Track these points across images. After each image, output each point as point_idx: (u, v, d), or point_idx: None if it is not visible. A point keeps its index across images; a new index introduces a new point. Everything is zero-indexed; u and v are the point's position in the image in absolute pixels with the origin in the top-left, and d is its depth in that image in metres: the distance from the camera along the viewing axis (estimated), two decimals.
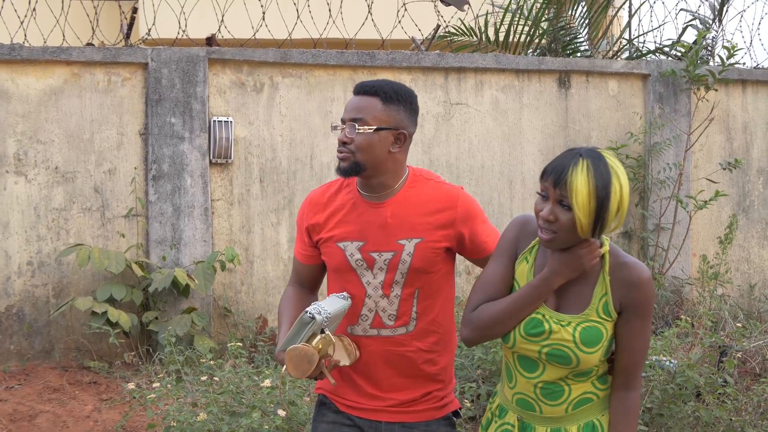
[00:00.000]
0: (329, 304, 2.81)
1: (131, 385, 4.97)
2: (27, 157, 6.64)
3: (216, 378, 5.11)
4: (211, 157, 7.06)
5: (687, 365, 5.00)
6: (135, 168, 6.91)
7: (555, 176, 2.63)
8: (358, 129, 2.88)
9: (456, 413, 3.11)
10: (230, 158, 7.10)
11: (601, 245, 2.72)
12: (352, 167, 2.90)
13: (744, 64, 9.07)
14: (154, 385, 5.17)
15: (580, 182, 2.58)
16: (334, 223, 2.98)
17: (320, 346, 2.71)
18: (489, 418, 2.95)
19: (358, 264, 2.94)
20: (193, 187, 6.99)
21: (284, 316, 3.03)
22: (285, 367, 2.72)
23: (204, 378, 5.01)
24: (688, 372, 4.94)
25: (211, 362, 5.51)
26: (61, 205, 6.73)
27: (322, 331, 2.74)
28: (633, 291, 2.69)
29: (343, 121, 2.91)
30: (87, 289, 6.73)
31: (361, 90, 2.93)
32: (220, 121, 7.04)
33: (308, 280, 3.15)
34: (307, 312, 2.72)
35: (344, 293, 2.89)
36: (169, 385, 5.12)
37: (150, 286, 6.61)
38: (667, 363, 5.19)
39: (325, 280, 3.18)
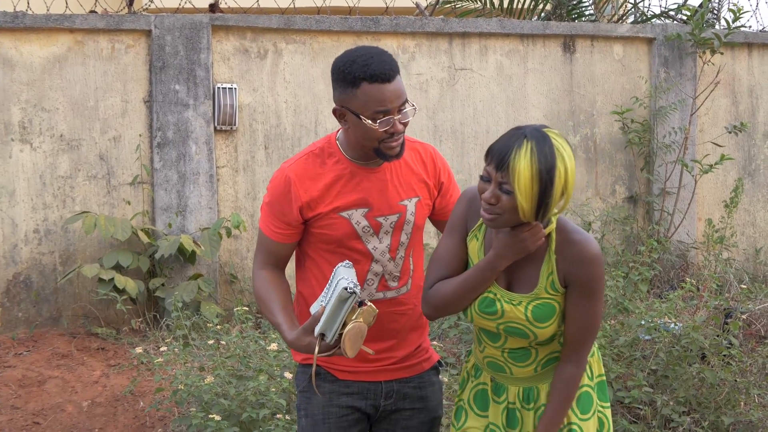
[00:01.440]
0: (349, 274, 2.71)
1: (139, 350, 5.00)
2: (32, 125, 6.65)
3: (223, 342, 5.15)
4: (216, 124, 7.06)
5: (692, 327, 5.02)
6: (140, 135, 6.91)
7: (497, 159, 2.57)
8: (408, 109, 2.84)
9: (440, 362, 3.21)
10: (235, 125, 7.10)
11: (547, 225, 2.71)
12: (402, 149, 2.91)
13: (750, 27, 9.05)
14: (162, 349, 5.21)
15: (523, 167, 2.52)
16: (333, 194, 2.92)
17: (362, 319, 2.66)
18: (465, 377, 3.01)
19: (364, 231, 2.93)
20: (198, 154, 6.99)
21: (273, 302, 2.92)
22: (340, 349, 2.64)
23: (211, 342, 5.04)
24: (692, 334, 4.97)
25: (218, 327, 5.55)
26: (66, 172, 6.74)
27: (360, 304, 2.67)
28: (577, 268, 2.68)
29: (392, 111, 2.80)
30: (93, 257, 6.76)
31: (393, 74, 2.79)
32: (224, 88, 7.03)
33: (283, 260, 3.04)
34: (345, 288, 2.59)
35: (346, 261, 2.82)
36: (176, 350, 5.16)
37: (156, 253, 6.63)
38: (672, 325, 5.21)
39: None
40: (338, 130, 3.01)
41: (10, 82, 6.60)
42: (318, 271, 2.99)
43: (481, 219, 2.75)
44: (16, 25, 6.55)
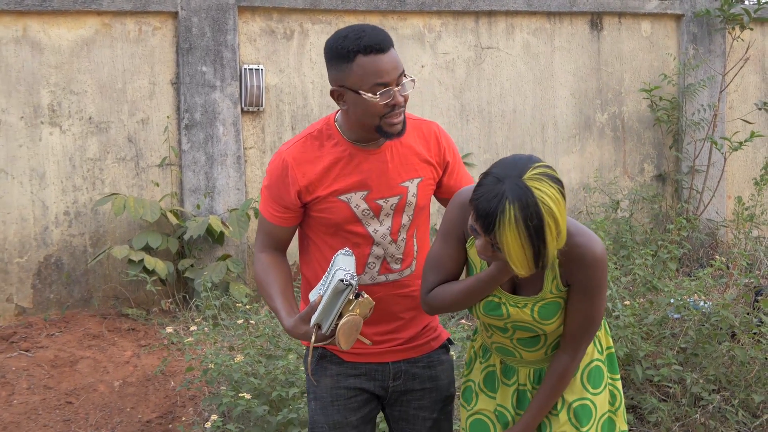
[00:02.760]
0: (347, 263, 2.66)
1: (169, 330, 5.04)
2: (61, 108, 6.69)
3: (252, 322, 5.18)
4: (243, 105, 7.08)
5: (722, 305, 4.98)
6: (167, 117, 6.94)
7: (483, 224, 2.46)
8: (407, 81, 2.77)
9: (449, 340, 3.17)
10: (262, 106, 7.11)
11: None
12: (404, 126, 2.83)
13: None
14: (192, 329, 5.25)
15: (510, 237, 2.42)
16: (331, 178, 2.85)
17: (357, 311, 2.62)
18: (472, 356, 3.00)
19: (364, 214, 2.88)
20: (226, 135, 7.02)
21: (271, 287, 2.88)
22: (334, 341, 2.62)
23: (240, 322, 5.07)
24: (722, 312, 4.93)
25: (247, 307, 5.58)
26: (95, 155, 6.78)
27: (358, 295, 2.63)
28: (579, 271, 2.64)
29: (391, 83, 2.73)
30: (123, 238, 6.81)
31: (387, 45, 2.73)
32: (250, 69, 7.04)
33: (283, 243, 2.99)
34: (341, 279, 2.55)
35: (346, 249, 2.77)
36: (206, 330, 5.19)
37: (185, 234, 6.67)
38: (702, 303, 5.18)
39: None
40: (337, 111, 2.93)
41: (39, 65, 6.64)
42: (320, 255, 2.95)
43: None
44: (44, 8, 6.59)
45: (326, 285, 2.65)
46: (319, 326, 2.64)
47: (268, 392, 4.47)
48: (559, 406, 2.80)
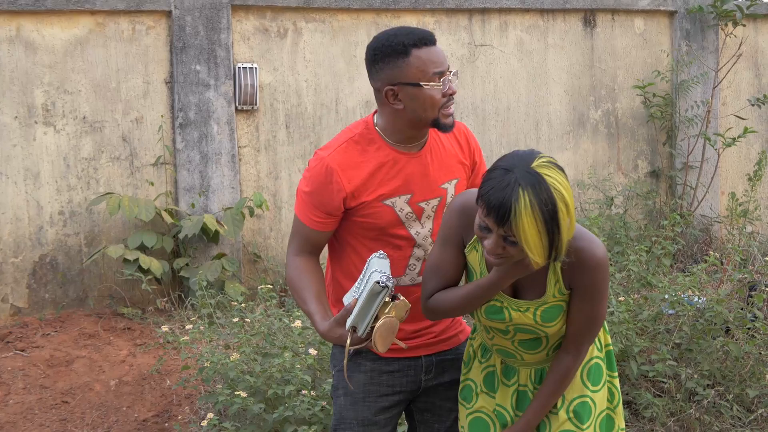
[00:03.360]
0: (383, 266, 2.67)
1: (165, 329, 5.05)
2: (55, 108, 6.69)
3: (248, 320, 5.19)
4: (237, 104, 7.08)
5: (716, 301, 5.01)
6: (162, 116, 6.94)
7: (497, 216, 2.43)
8: (454, 71, 2.83)
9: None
10: (256, 105, 7.11)
11: None
12: (453, 120, 2.89)
13: None
14: (187, 328, 5.25)
15: (527, 225, 2.40)
16: (377, 183, 2.87)
17: (393, 313, 2.62)
18: (471, 355, 3.00)
19: (407, 217, 2.90)
20: (220, 134, 7.02)
21: (306, 291, 2.89)
22: (371, 342, 2.62)
23: (236, 320, 5.08)
24: (716, 307, 4.95)
25: (242, 305, 5.58)
26: (90, 154, 6.78)
27: (393, 298, 2.63)
28: (581, 274, 2.64)
29: (446, 72, 2.80)
30: (118, 238, 6.81)
31: (434, 38, 2.81)
32: (244, 68, 7.04)
33: (320, 248, 3.00)
34: (378, 281, 2.55)
35: (381, 251, 2.78)
36: (201, 328, 5.20)
37: (180, 233, 6.67)
38: (696, 299, 5.20)
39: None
40: (373, 114, 2.94)
41: (33, 65, 6.64)
42: (357, 257, 2.95)
43: None
44: (38, 7, 6.58)
45: (361, 288, 2.65)
46: (354, 329, 2.65)
47: (264, 390, 4.47)
48: (559, 405, 2.80)
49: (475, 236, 2.72)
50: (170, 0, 6.90)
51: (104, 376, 5.60)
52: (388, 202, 2.88)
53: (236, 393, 4.36)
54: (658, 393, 4.91)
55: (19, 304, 6.63)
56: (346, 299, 2.75)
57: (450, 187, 2.97)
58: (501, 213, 2.42)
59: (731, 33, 8.30)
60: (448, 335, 3.09)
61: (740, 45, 8.38)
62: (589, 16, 8.16)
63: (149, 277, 6.34)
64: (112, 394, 5.40)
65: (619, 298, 5.10)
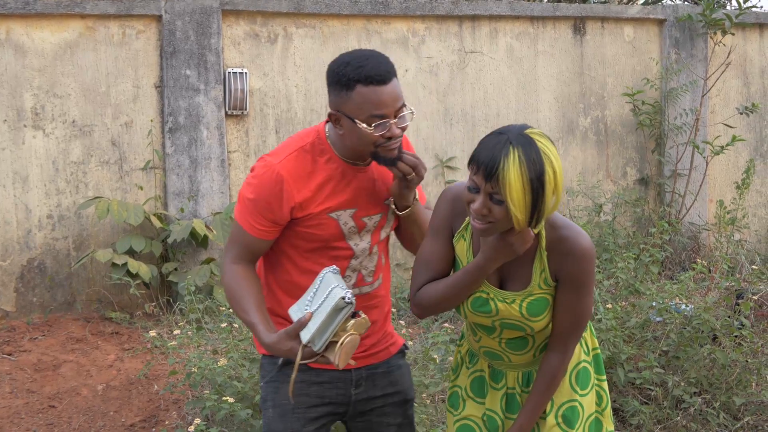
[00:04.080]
0: (339, 281, 2.61)
1: (152, 333, 5.04)
2: (44, 111, 6.68)
3: (236, 325, 5.18)
4: (227, 109, 7.08)
5: (703, 308, 5.02)
6: (151, 120, 6.93)
7: (486, 170, 2.48)
8: (406, 113, 2.75)
9: (405, 346, 3.18)
10: (246, 110, 7.11)
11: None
12: (400, 153, 2.80)
13: (761, 7, 9.00)
14: (175, 333, 5.25)
15: (513, 177, 2.44)
16: (324, 195, 2.82)
17: (354, 330, 2.57)
18: (459, 362, 3.01)
19: (350, 231, 2.87)
20: (210, 138, 7.02)
21: (246, 300, 2.80)
22: (324, 357, 2.58)
23: (224, 325, 5.07)
24: (704, 315, 4.96)
25: (230, 311, 5.57)
26: (79, 158, 6.77)
27: (354, 314, 2.58)
28: (568, 264, 2.65)
29: (389, 115, 2.70)
30: (107, 242, 6.80)
31: (389, 76, 2.70)
32: (234, 73, 7.05)
33: (259, 256, 2.92)
34: (343, 297, 2.50)
35: (334, 267, 2.70)
36: (189, 333, 5.19)
37: (169, 238, 6.67)
38: (684, 307, 5.22)
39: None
40: (326, 122, 2.89)
41: (22, 68, 6.63)
42: (292, 266, 2.91)
43: (467, 219, 2.73)
44: (28, 11, 6.57)
45: (317, 302, 2.59)
46: (306, 344, 2.59)
47: (252, 396, 4.46)
48: (548, 409, 2.81)
49: (463, 224, 2.74)
50: (161, 4, 6.90)
51: (92, 381, 5.58)
52: (333, 215, 2.84)
53: (224, 398, 4.35)
54: (645, 400, 4.92)
55: (7, 308, 6.62)
56: (294, 312, 2.67)
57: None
58: (490, 166, 2.46)
59: (720, 41, 8.34)
60: (379, 349, 3.05)
61: (729, 53, 8.42)
62: (578, 24, 8.19)
63: (137, 281, 6.32)
64: (99, 399, 5.38)
65: (607, 306, 5.11)
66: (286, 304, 2.85)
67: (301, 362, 2.60)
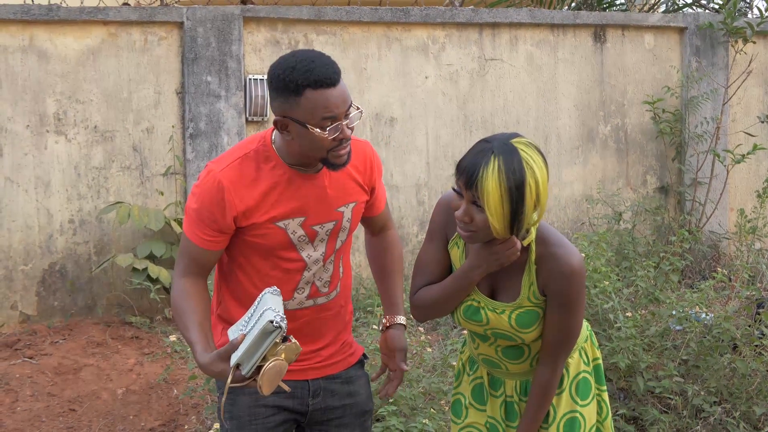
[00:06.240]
0: (276, 304, 2.50)
1: (172, 338, 5.07)
2: (66, 117, 6.73)
3: None
4: (248, 115, 7.11)
5: (723, 318, 5.00)
6: (172, 126, 6.97)
7: (466, 177, 2.51)
8: (354, 113, 2.68)
9: (364, 355, 3.15)
10: (266, 116, 7.14)
11: (525, 236, 2.66)
12: (349, 157, 2.75)
13: None
14: None
15: (491, 186, 2.46)
16: (269, 203, 2.74)
17: (283, 356, 2.46)
18: (460, 369, 3.04)
19: (300, 240, 2.80)
20: (230, 144, 7.04)
21: (188, 317, 2.70)
22: (254, 381, 2.48)
23: None
24: (724, 324, 4.94)
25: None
26: (100, 163, 6.81)
27: (284, 339, 2.47)
28: (556, 282, 2.65)
29: (339, 117, 2.64)
30: (127, 247, 6.84)
31: (336, 78, 2.62)
32: (255, 79, 7.08)
33: (208, 268, 2.82)
34: (271, 321, 2.39)
35: (274, 287, 2.60)
36: None
37: None
38: (704, 316, 5.20)
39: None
40: (271, 130, 2.81)
41: (45, 74, 6.68)
42: (244, 276, 2.86)
43: None
44: (51, 17, 6.63)
45: (251, 324, 2.49)
46: (238, 366, 2.49)
47: None
48: (549, 420, 2.82)
49: (456, 232, 2.75)
50: (182, 11, 6.94)
51: (111, 385, 5.61)
52: (280, 224, 2.76)
53: None
54: (664, 409, 4.90)
55: (28, 312, 6.66)
56: (232, 333, 2.60)
57: (347, 211, 2.87)
58: (469, 173, 2.50)
59: (741, 50, 8.30)
60: (337, 359, 3.02)
61: (750, 62, 8.39)
62: (599, 32, 8.18)
63: (158, 286, 6.35)
64: (119, 403, 5.41)
65: (627, 314, 5.10)
66: (239, 316, 2.79)
67: (232, 385, 2.50)
